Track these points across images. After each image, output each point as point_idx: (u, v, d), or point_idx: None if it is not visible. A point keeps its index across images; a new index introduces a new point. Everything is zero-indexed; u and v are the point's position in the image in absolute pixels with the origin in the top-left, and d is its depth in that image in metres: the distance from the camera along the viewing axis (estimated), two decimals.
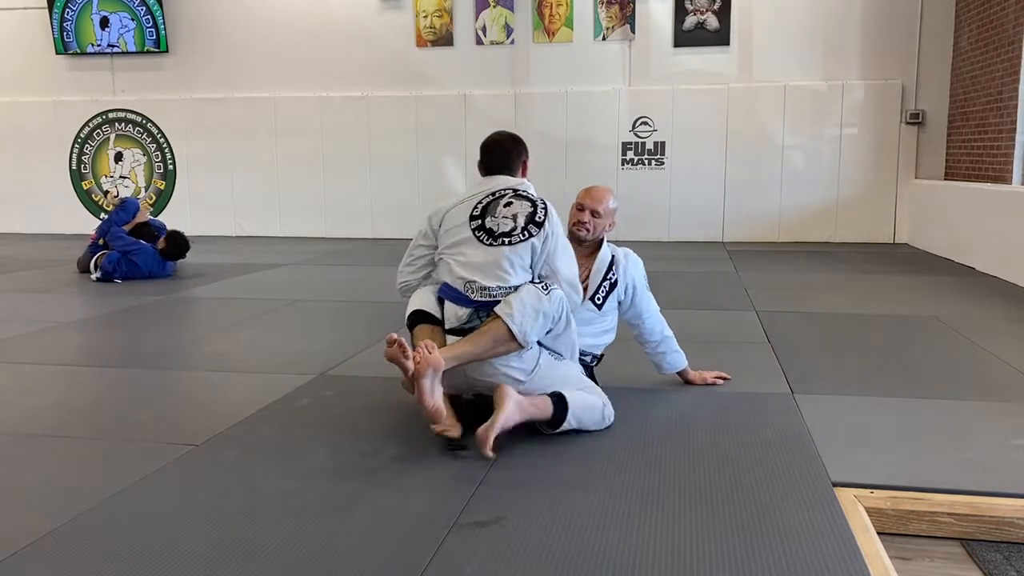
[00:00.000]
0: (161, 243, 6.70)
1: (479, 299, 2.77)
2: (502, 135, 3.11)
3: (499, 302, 2.72)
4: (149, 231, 6.85)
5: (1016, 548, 2.26)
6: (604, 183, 9.03)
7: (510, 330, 2.65)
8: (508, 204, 2.87)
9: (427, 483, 2.43)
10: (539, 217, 2.85)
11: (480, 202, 2.90)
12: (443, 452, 2.65)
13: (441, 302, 2.85)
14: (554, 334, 2.80)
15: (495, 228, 2.82)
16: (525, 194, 2.93)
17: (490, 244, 2.80)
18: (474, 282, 2.77)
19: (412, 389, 2.59)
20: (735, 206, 9.03)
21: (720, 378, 3.49)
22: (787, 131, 8.84)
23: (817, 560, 1.96)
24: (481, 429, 2.56)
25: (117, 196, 7.64)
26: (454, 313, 2.80)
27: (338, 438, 2.84)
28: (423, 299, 2.89)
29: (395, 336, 2.54)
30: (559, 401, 2.74)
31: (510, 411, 2.60)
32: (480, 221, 2.85)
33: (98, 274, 6.47)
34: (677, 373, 3.44)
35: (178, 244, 6.75)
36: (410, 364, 2.53)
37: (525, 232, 2.81)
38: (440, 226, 2.92)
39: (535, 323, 2.68)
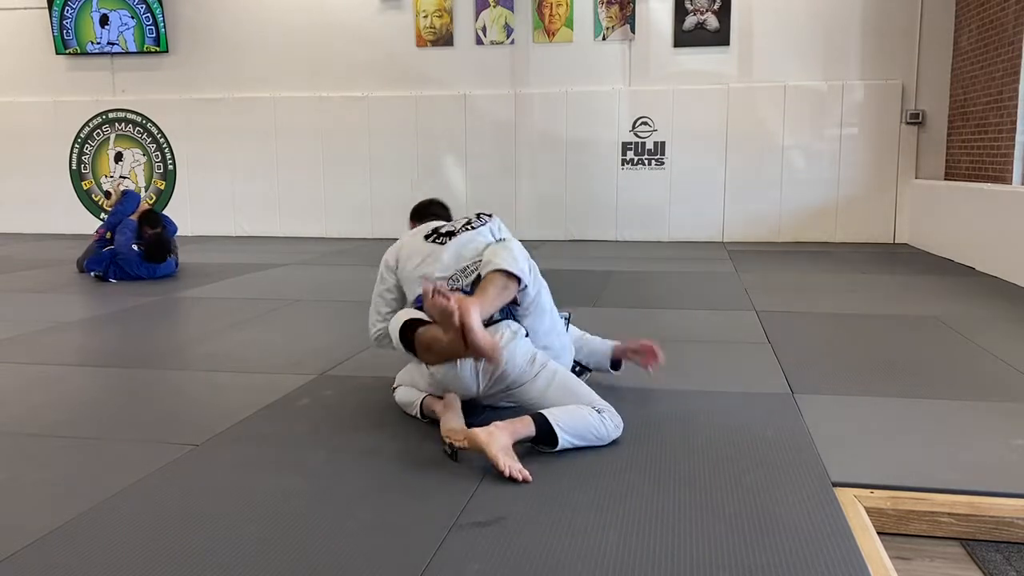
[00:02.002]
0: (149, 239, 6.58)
1: (465, 286, 2.83)
2: (433, 199, 3.53)
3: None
4: (155, 217, 6.78)
5: (1016, 548, 2.26)
6: (604, 183, 9.11)
7: (503, 271, 2.68)
8: (449, 221, 3.19)
9: (427, 483, 2.43)
10: (484, 217, 3.09)
11: (431, 229, 3.11)
12: (442, 452, 2.65)
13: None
14: (534, 295, 2.84)
15: (450, 231, 3.03)
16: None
17: (447, 241, 2.98)
18: (454, 277, 2.87)
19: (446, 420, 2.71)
20: (735, 206, 9.03)
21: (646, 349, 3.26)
22: (787, 131, 8.84)
23: (817, 560, 1.95)
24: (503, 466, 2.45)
25: (119, 187, 7.59)
26: None
27: (338, 438, 2.84)
28: (409, 312, 2.85)
29: (430, 285, 2.54)
30: (538, 417, 2.63)
31: (502, 439, 2.50)
32: (433, 236, 3.05)
33: (97, 271, 6.47)
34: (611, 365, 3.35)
35: (158, 247, 6.54)
36: (453, 304, 2.46)
37: (478, 222, 3.04)
38: (397, 262, 3.08)
39: (516, 258, 2.74)
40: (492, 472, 2.48)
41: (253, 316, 5.11)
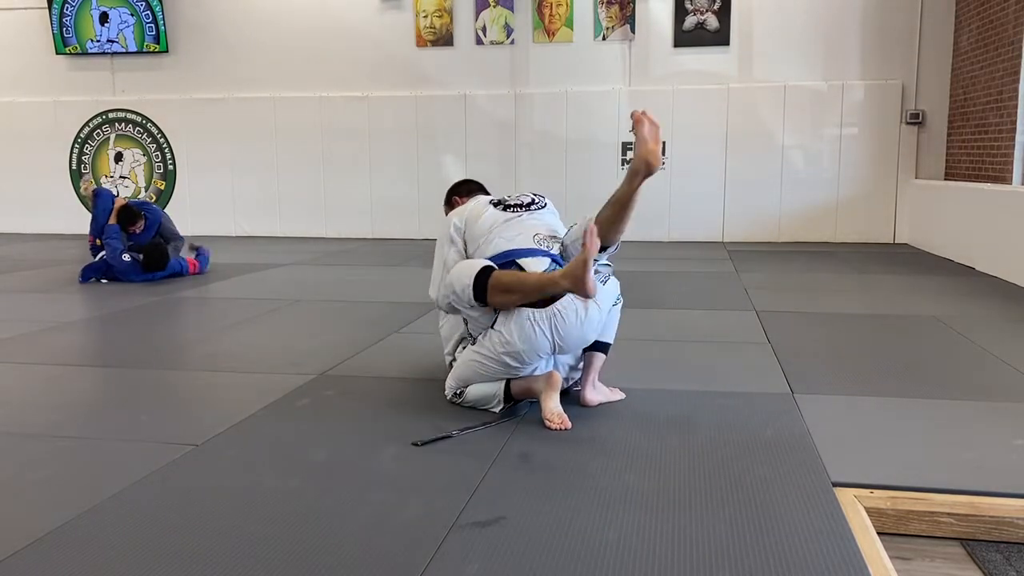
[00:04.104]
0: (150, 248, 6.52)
1: (549, 248, 2.99)
2: (470, 179, 3.76)
3: (563, 254, 3.01)
4: (132, 214, 6.60)
5: (1016, 548, 2.26)
6: (604, 183, 9.07)
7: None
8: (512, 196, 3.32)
9: (427, 483, 2.43)
10: (541, 196, 3.30)
11: (496, 199, 3.26)
12: (443, 452, 2.66)
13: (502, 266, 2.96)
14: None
15: (519, 203, 3.18)
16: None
17: (521, 212, 3.14)
18: (539, 235, 3.04)
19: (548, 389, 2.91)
20: (735, 206, 9.03)
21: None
22: (787, 131, 8.84)
23: (817, 560, 1.96)
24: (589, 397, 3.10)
25: (89, 188, 7.31)
26: (533, 266, 2.94)
27: (338, 438, 2.84)
28: (479, 262, 2.90)
29: (593, 225, 2.72)
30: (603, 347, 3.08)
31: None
32: (501, 206, 3.19)
33: (95, 278, 6.45)
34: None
35: (156, 256, 6.49)
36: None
37: (542, 200, 3.25)
38: (465, 224, 3.16)
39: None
40: (492, 472, 2.48)
41: (253, 316, 5.11)
